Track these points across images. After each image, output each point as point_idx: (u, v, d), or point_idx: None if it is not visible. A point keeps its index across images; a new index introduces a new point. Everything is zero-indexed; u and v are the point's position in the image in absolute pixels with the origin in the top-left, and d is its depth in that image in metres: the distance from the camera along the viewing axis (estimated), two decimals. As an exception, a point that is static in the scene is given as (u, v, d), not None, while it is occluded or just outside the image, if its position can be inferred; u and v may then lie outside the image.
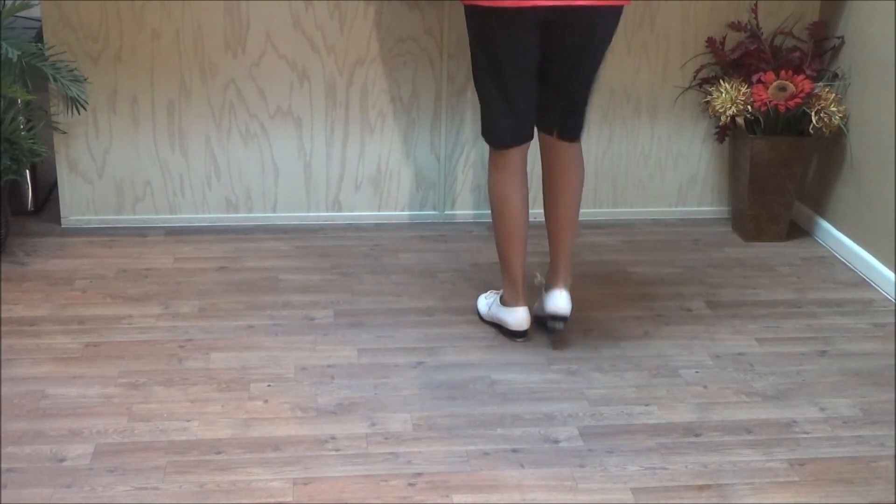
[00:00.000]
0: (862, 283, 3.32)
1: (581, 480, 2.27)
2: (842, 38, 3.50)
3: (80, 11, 3.33)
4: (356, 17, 3.43)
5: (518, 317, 2.85)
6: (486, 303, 2.97)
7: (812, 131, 3.44)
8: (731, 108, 3.43)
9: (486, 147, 3.61)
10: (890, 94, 3.22)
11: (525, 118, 2.74)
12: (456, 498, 2.20)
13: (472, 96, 3.55)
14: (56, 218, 3.56)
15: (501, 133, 2.75)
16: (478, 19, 2.65)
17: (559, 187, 2.82)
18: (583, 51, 2.66)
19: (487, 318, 2.95)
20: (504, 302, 2.88)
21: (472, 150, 3.64)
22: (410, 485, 2.24)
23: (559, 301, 2.79)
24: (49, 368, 2.67)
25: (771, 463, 2.36)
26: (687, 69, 3.63)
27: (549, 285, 2.85)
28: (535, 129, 2.80)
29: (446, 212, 3.71)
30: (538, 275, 2.93)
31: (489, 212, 3.67)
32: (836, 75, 3.52)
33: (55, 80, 3.19)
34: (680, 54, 3.61)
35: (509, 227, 2.80)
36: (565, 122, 2.77)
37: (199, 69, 3.43)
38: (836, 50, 3.53)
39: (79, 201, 3.54)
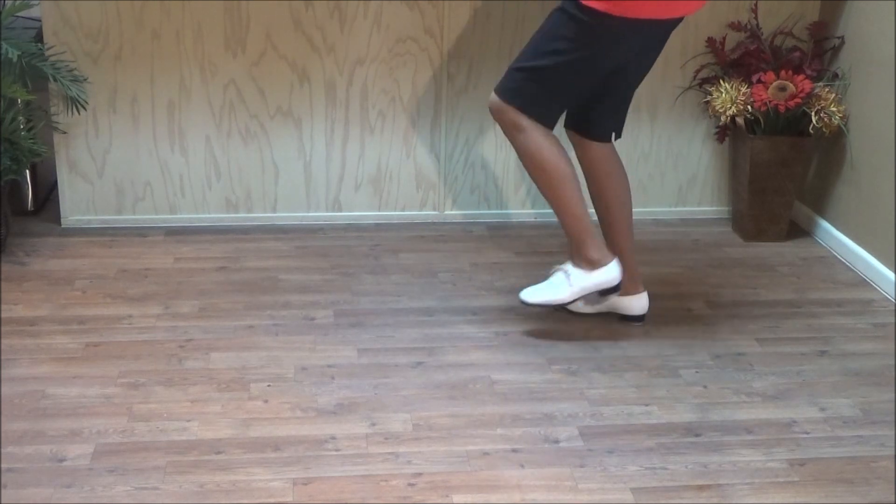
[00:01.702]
0: (862, 283, 3.32)
1: (581, 480, 2.27)
2: (842, 38, 3.50)
3: (80, 11, 3.32)
4: (356, 17, 3.43)
5: (618, 270, 2.82)
6: (565, 286, 2.82)
7: (812, 131, 3.44)
8: (731, 108, 3.43)
9: (486, 145, 3.63)
10: (890, 94, 3.22)
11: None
12: (456, 498, 2.20)
13: (472, 96, 3.55)
14: (56, 218, 3.56)
15: (554, 117, 2.77)
16: (609, 28, 2.58)
17: (624, 185, 2.91)
18: (655, 57, 2.82)
19: (575, 297, 2.82)
20: (593, 263, 2.80)
21: (472, 150, 3.64)
22: (410, 485, 2.24)
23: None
24: (49, 368, 2.66)
25: (771, 463, 2.36)
26: (687, 69, 3.63)
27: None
28: (582, 140, 2.88)
29: (446, 212, 3.71)
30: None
31: (488, 211, 3.71)
32: (836, 75, 3.52)
33: (55, 80, 3.19)
34: (680, 54, 3.61)
35: (569, 180, 2.75)
36: (619, 125, 2.88)
37: (199, 69, 3.43)
38: (836, 50, 3.53)
39: (79, 201, 3.54)
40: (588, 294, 2.85)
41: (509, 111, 2.73)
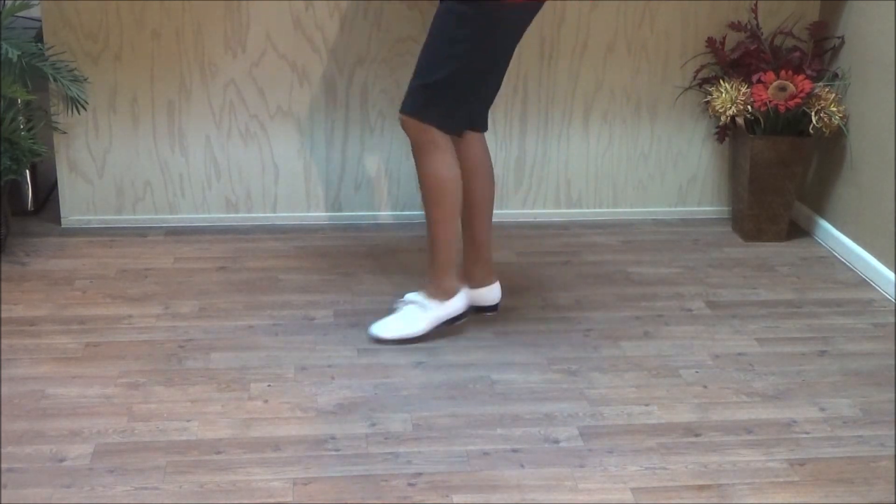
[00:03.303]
0: (862, 283, 3.32)
1: (581, 480, 2.27)
2: (842, 38, 3.50)
3: (80, 11, 3.33)
4: (356, 17, 3.43)
5: (465, 298, 2.89)
6: (421, 318, 2.84)
7: (812, 131, 3.44)
8: (731, 108, 3.43)
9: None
10: (890, 94, 3.22)
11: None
12: (456, 498, 2.20)
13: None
14: (56, 218, 3.56)
15: (464, 121, 2.75)
16: (507, 16, 2.60)
17: (491, 174, 2.89)
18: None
19: (429, 328, 2.84)
20: (448, 292, 2.84)
21: (472, 150, 3.64)
22: (410, 485, 2.24)
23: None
24: (49, 368, 2.66)
25: (771, 463, 2.36)
26: (687, 69, 3.63)
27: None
28: (475, 129, 2.83)
29: (446, 212, 3.71)
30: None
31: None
32: (836, 75, 3.53)
33: (55, 80, 3.19)
34: (680, 54, 3.61)
35: (459, 208, 2.79)
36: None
37: (199, 69, 3.43)
38: (836, 50, 3.53)
39: (79, 201, 3.54)
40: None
41: (426, 130, 2.69)
